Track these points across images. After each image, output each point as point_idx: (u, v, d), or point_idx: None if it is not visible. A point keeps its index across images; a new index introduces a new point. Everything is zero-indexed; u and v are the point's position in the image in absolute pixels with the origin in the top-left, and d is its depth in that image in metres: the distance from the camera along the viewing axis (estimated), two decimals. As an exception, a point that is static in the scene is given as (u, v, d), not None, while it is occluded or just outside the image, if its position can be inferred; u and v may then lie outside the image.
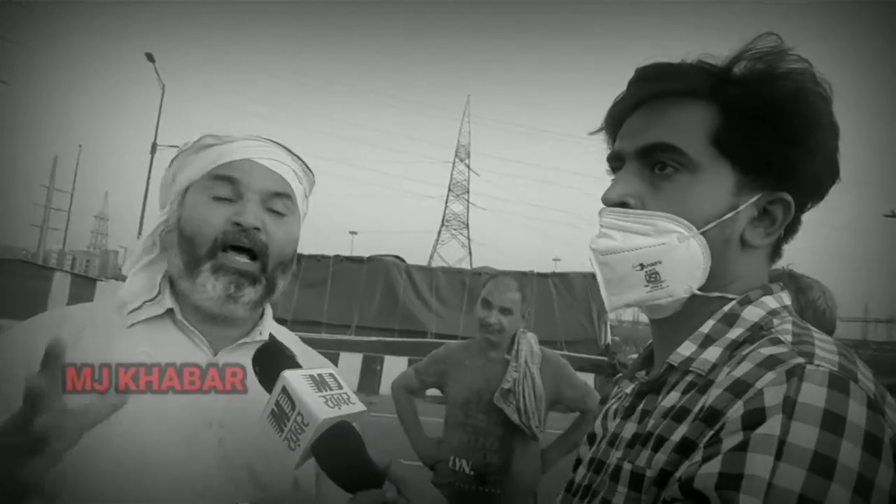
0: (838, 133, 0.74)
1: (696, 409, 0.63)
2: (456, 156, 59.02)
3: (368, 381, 11.89)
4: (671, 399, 0.69)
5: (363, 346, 12.25)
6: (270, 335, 1.06)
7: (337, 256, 14.59)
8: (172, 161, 1.06)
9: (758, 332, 0.68)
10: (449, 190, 59.08)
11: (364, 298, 13.35)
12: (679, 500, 0.58)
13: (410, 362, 11.60)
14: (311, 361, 1.13)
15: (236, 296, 0.98)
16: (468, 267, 27.97)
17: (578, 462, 0.85)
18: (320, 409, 0.75)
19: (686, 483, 0.57)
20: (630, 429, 0.73)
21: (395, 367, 11.23)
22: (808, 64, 0.72)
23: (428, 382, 2.68)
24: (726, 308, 0.71)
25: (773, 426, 0.54)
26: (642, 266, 0.71)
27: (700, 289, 0.72)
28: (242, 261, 0.98)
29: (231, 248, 0.98)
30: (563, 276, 14.26)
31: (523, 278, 2.64)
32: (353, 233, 50.62)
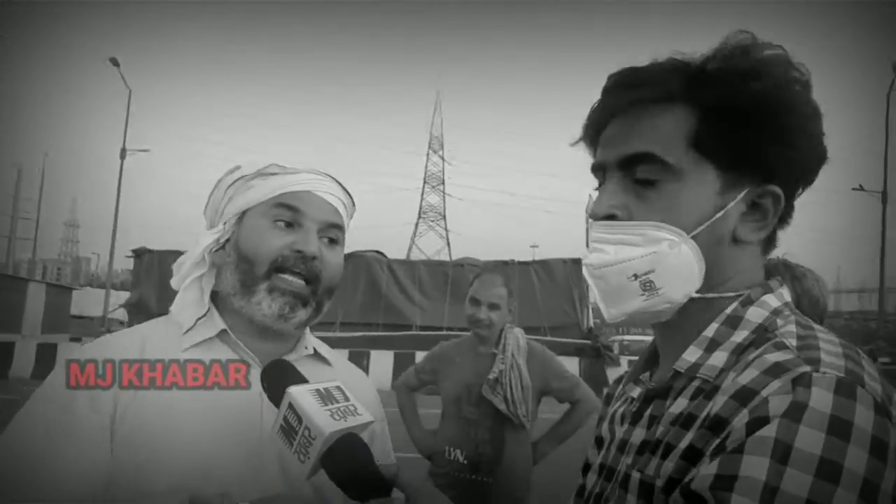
0: (820, 116, 0.73)
1: (703, 415, 0.63)
2: (429, 147, 58.95)
3: (355, 376, 11.83)
4: (679, 405, 0.68)
5: (349, 341, 12.24)
6: (314, 349, 1.15)
7: (317, 254, 14.52)
8: (230, 184, 1.11)
9: (762, 333, 0.68)
10: (424, 182, 59.04)
11: (347, 294, 13.34)
12: (677, 500, 0.59)
13: (396, 356, 11.70)
14: (348, 371, 1.20)
15: (289, 316, 1.04)
16: (447, 258, 28.01)
17: (587, 467, 0.85)
18: (326, 422, 0.77)
19: (685, 486, 0.59)
20: (639, 435, 0.73)
21: (381, 361, 11.23)
22: (781, 50, 0.71)
23: (425, 380, 2.82)
24: (728, 310, 0.71)
25: (770, 429, 0.55)
26: (636, 276, 0.71)
27: (697, 291, 0.72)
28: (297, 283, 1.05)
29: (286, 271, 1.05)
30: (543, 264, 14.38)
31: (506, 269, 2.73)
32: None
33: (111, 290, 22.76)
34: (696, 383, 0.69)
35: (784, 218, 0.76)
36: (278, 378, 0.87)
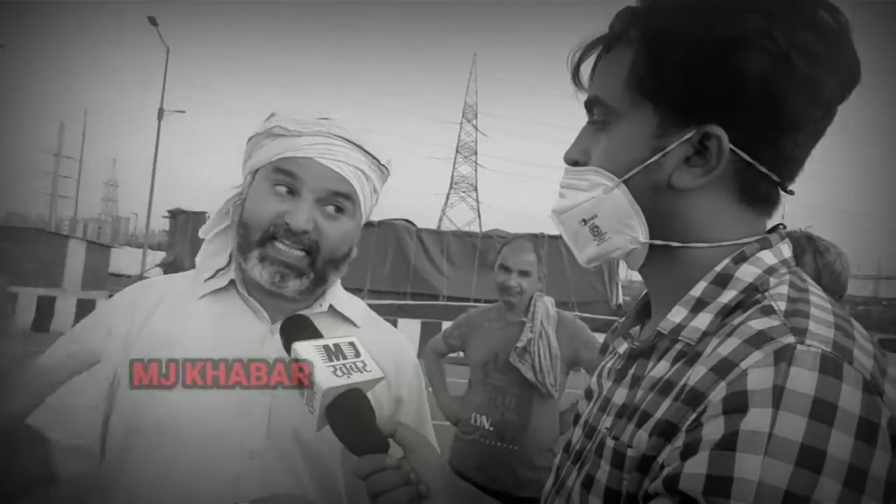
0: (782, 45, 0.61)
1: (681, 383, 0.60)
2: (463, 116, 58.38)
3: (383, 343, 11.97)
4: (660, 369, 0.66)
5: (376, 309, 12.24)
6: (331, 306, 1.12)
7: (348, 221, 14.63)
8: (251, 138, 1.11)
9: (752, 293, 0.64)
10: (457, 151, 58.64)
11: (376, 262, 13.43)
12: (662, 494, 0.55)
13: (423, 325, 11.80)
14: (374, 329, 1.19)
15: (280, 284, 1.02)
16: (478, 230, 27.94)
17: (577, 418, 0.83)
18: (325, 378, 0.79)
19: (671, 481, 0.54)
20: (621, 394, 0.71)
21: (408, 329, 11.35)
22: None
23: (453, 346, 2.81)
24: (718, 267, 0.66)
25: (762, 421, 0.51)
26: (585, 221, 0.71)
27: (657, 238, 0.69)
28: (291, 253, 1.01)
29: (279, 239, 1.02)
30: (573, 238, 14.24)
31: (536, 240, 2.69)
32: (361, 196, 50.43)
33: (148, 249, 23.33)
34: (678, 346, 0.66)
35: (786, 175, 0.66)
36: (292, 332, 0.88)
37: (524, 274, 2.52)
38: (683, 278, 0.68)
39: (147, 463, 0.96)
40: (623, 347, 0.77)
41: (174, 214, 15.64)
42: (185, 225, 14.76)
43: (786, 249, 0.69)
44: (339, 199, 1.05)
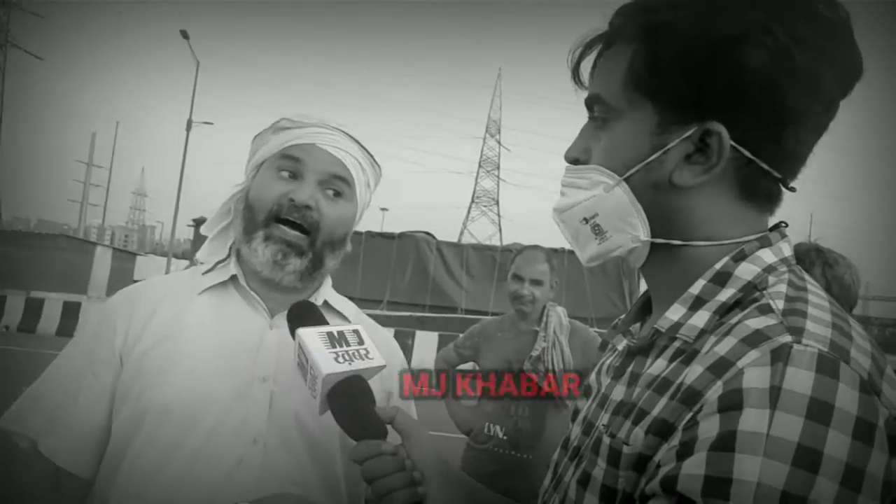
0: (781, 39, 0.60)
1: (678, 382, 0.60)
2: (486, 131, 58.61)
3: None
4: (658, 367, 0.66)
5: (394, 320, 12.41)
6: (325, 301, 1.17)
7: (369, 232, 14.71)
8: (256, 137, 1.18)
9: (750, 291, 0.63)
10: (479, 166, 58.81)
11: (395, 274, 13.47)
12: (660, 495, 0.54)
13: (441, 337, 11.79)
14: (365, 325, 1.23)
15: (282, 263, 1.07)
16: (498, 244, 27.95)
17: (576, 414, 0.83)
18: (326, 364, 0.82)
19: (669, 482, 0.54)
20: (619, 391, 0.71)
21: (426, 341, 11.34)
22: None
23: (465, 356, 2.81)
24: (718, 265, 0.66)
25: (760, 422, 0.50)
26: (586, 220, 0.71)
27: (659, 236, 0.69)
28: (294, 233, 1.08)
29: (284, 221, 1.08)
30: (594, 254, 14.15)
31: (553, 254, 2.69)
32: (383, 209, 50.95)
33: (172, 258, 23.72)
34: (676, 344, 0.65)
35: (787, 171, 0.66)
36: (298, 318, 0.91)
37: (536, 283, 2.53)
38: (684, 276, 0.68)
39: (152, 447, 0.98)
40: (622, 344, 0.77)
41: (198, 223, 15.88)
42: (209, 234, 14.96)
43: (786, 248, 0.68)
44: (339, 183, 1.12)
